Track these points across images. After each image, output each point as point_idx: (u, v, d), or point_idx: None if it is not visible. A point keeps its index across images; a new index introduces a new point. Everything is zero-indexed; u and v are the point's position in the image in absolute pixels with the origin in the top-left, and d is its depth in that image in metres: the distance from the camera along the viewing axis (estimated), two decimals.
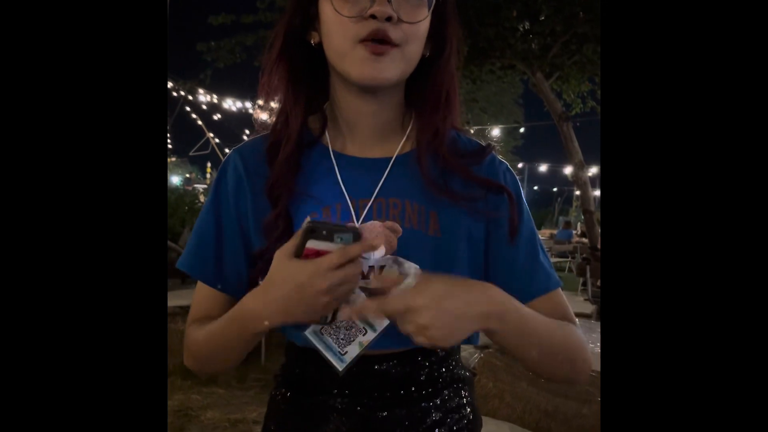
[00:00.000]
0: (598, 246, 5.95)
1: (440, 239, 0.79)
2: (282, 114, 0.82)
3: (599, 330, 3.38)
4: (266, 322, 0.70)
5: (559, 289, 0.84)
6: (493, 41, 5.32)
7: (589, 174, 7.17)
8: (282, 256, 0.68)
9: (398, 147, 0.83)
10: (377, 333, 0.75)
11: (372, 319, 0.74)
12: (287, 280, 0.67)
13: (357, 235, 0.69)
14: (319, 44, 0.79)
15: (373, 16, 0.71)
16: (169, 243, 5.76)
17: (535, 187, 32.87)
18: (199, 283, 0.84)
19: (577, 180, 6.13)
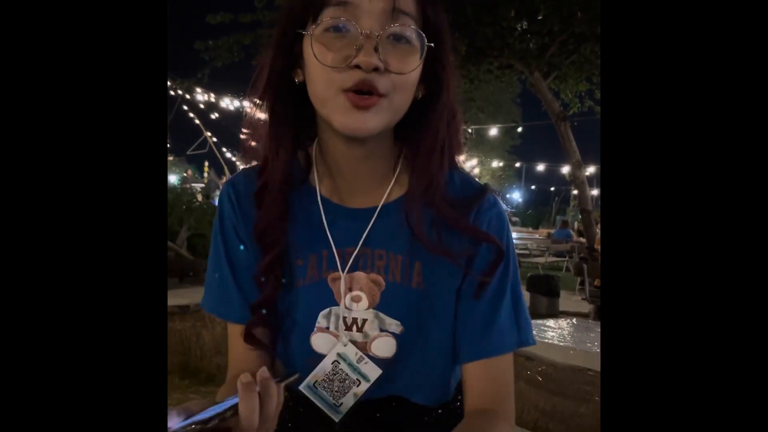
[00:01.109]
0: (596, 246, 5.97)
1: (423, 291, 0.76)
2: (268, 157, 0.77)
3: (597, 329, 3.40)
4: None
5: (511, 356, 0.78)
6: (491, 41, 5.33)
7: (587, 173, 7.19)
8: None
9: (385, 193, 0.78)
10: (371, 383, 0.75)
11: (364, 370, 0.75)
12: None
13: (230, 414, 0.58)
14: (304, 83, 0.73)
15: (358, 66, 0.65)
16: (168, 243, 5.76)
17: (533, 187, 32.88)
18: (231, 329, 0.80)
19: (574, 179, 6.14)
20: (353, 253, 0.76)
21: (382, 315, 0.76)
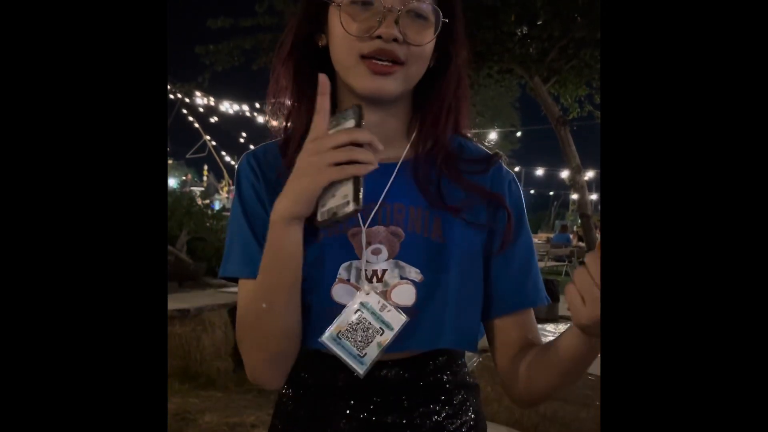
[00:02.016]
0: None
1: (443, 245, 0.79)
2: (291, 113, 0.84)
3: None
4: (283, 208, 0.69)
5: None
6: (491, 45, 5.34)
7: (586, 178, 7.19)
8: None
9: (403, 152, 0.83)
10: (394, 332, 0.75)
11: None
12: (296, 167, 0.69)
13: (357, 111, 0.70)
14: (326, 46, 0.80)
15: (379, 37, 0.73)
16: (168, 247, 5.75)
17: (532, 191, 32.90)
18: (244, 284, 0.80)
19: (574, 184, 6.15)
20: (373, 208, 0.79)
21: (402, 263, 0.78)
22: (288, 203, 0.69)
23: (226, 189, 21.35)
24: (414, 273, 0.78)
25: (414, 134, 0.84)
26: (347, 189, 0.67)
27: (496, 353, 0.85)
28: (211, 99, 13.47)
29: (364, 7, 0.74)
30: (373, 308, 0.75)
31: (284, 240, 0.71)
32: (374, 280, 0.78)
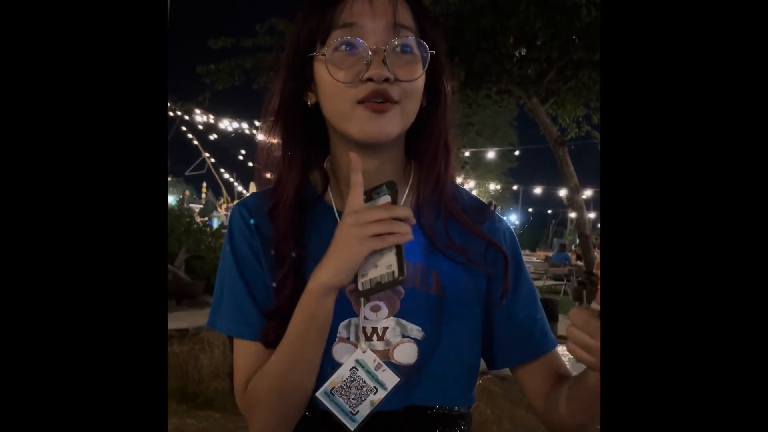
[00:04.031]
0: (594, 270, 5.96)
1: (442, 298, 0.79)
2: (281, 176, 0.81)
3: None
4: (321, 279, 0.70)
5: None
6: (489, 66, 5.38)
7: (584, 196, 7.21)
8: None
9: (400, 204, 0.80)
10: (388, 391, 0.75)
11: None
12: (335, 238, 0.70)
13: (392, 188, 0.72)
14: (316, 104, 0.78)
15: (370, 79, 0.72)
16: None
17: (530, 209, 32.95)
18: (240, 343, 0.80)
19: (573, 203, 6.16)
20: None
21: (403, 321, 0.77)
22: (330, 273, 0.70)
23: (225, 206, 21.33)
24: (416, 331, 0.77)
25: (410, 182, 0.83)
26: (390, 259, 0.69)
27: (528, 398, 0.86)
28: (211, 116, 13.52)
29: (349, 52, 0.73)
30: (369, 367, 0.76)
31: (320, 308, 0.72)
32: (375, 338, 0.77)
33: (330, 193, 0.83)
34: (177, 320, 4.23)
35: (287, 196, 0.79)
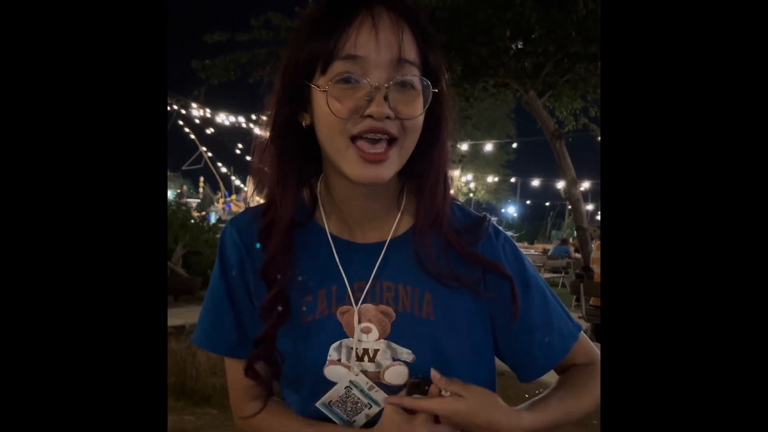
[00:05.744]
0: (591, 265, 5.96)
1: (433, 322, 0.78)
2: (273, 198, 0.80)
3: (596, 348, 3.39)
4: None
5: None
6: (486, 60, 5.37)
7: (582, 188, 7.21)
8: (396, 415, 0.75)
9: (393, 227, 0.81)
10: (381, 407, 0.78)
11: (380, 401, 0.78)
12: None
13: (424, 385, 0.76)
14: (311, 125, 0.75)
15: (370, 116, 0.69)
16: None
17: (528, 202, 32.98)
18: (229, 361, 0.84)
19: (570, 196, 6.16)
20: (364, 287, 0.78)
21: (393, 345, 0.77)
22: None
23: (222, 200, 21.35)
24: (406, 354, 0.77)
25: (403, 206, 0.82)
26: None
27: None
28: (207, 111, 13.49)
29: (350, 85, 0.69)
30: (362, 387, 0.78)
31: None
32: (366, 359, 0.77)
33: (321, 213, 0.82)
34: (174, 317, 4.23)
35: (280, 219, 0.78)
